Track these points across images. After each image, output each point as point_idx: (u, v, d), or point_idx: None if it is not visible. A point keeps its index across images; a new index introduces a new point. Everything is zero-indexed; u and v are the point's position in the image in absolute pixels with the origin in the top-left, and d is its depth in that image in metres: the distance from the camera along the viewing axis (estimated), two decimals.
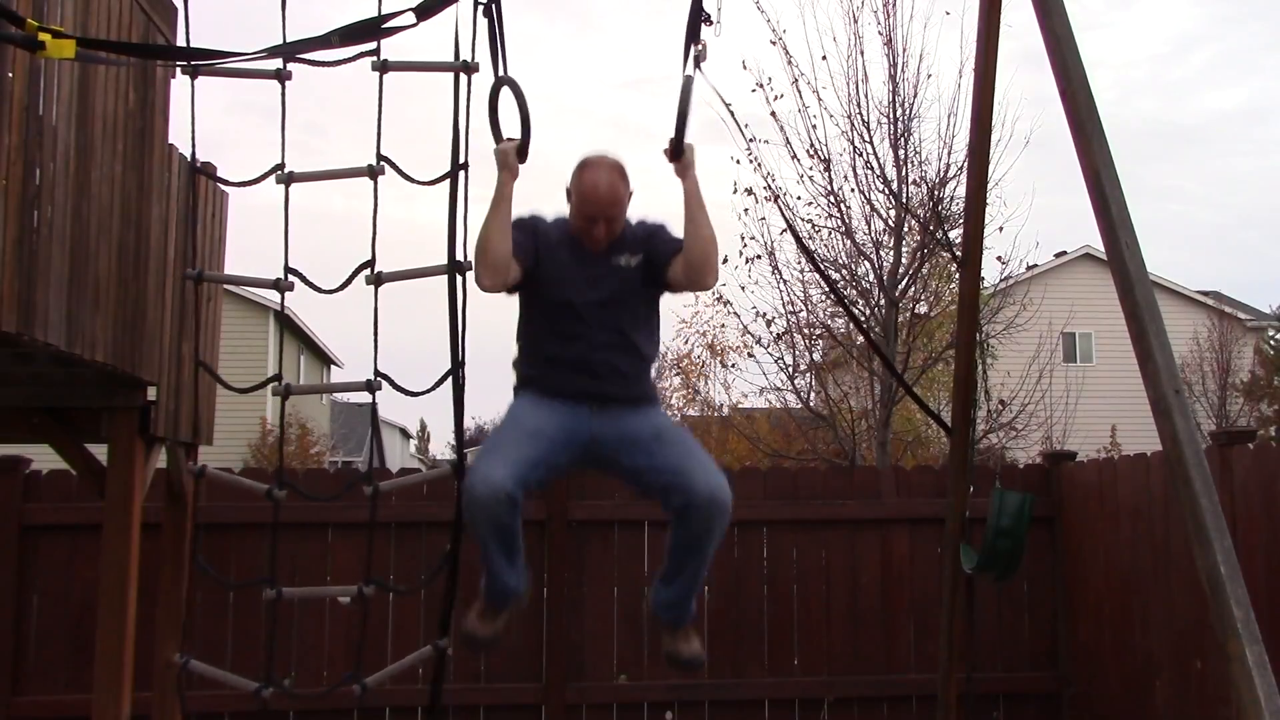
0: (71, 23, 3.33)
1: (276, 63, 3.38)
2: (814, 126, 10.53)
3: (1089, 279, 23.56)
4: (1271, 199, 59.56)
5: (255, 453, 20.36)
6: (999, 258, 11.11)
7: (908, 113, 10.47)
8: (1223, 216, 66.73)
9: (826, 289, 10.74)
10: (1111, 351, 22.13)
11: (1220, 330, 23.82)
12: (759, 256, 10.99)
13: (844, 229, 10.67)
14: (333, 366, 30.98)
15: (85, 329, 3.55)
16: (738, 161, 10.62)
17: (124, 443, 4.21)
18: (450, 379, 3.35)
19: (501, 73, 3.25)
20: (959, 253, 5.24)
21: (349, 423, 33.19)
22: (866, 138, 10.48)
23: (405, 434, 50.67)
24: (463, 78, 3.37)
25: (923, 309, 10.92)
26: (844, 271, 10.81)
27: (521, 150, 3.20)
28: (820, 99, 10.50)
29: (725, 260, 11.12)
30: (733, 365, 13.83)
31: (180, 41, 3.64)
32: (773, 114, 10.61)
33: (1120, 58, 69.04)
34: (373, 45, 3.35)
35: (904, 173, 10.40)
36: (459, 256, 3.33)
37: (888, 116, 10.49)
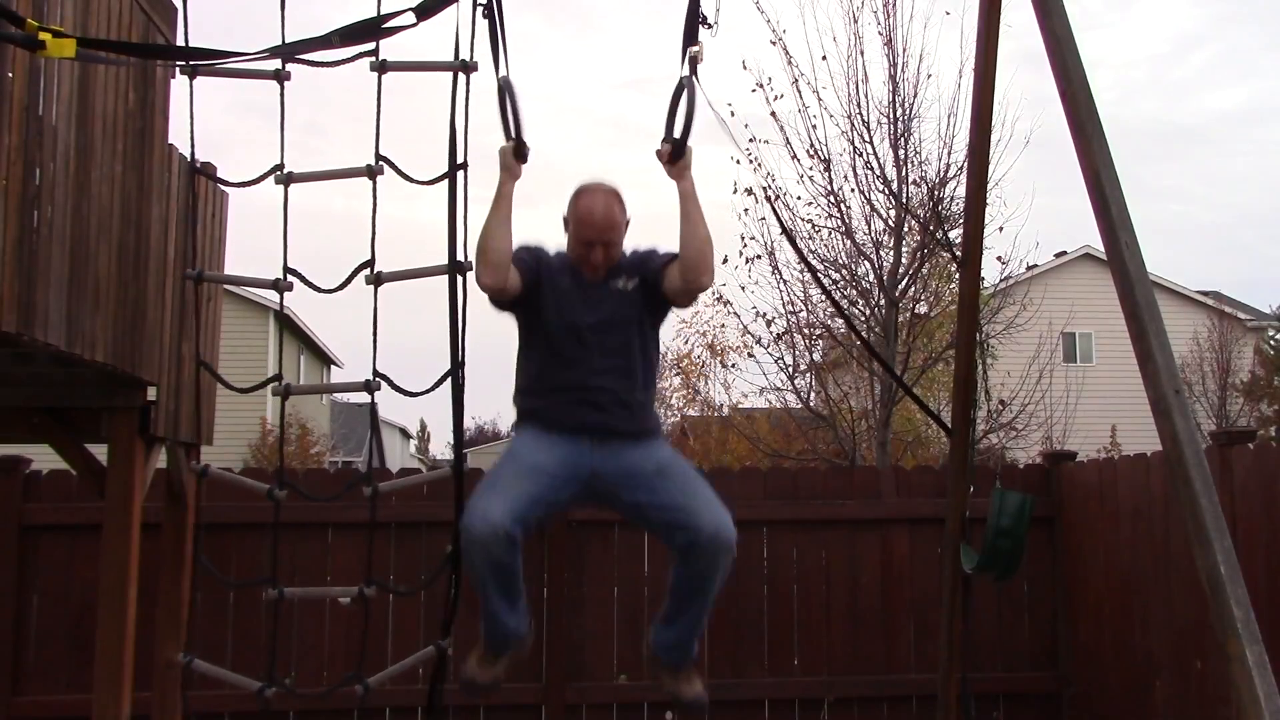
0: (71, 23, 3.33)
1: (275, 63, 3.38)
2: (814, 126, 10.54)
3: (1089, 279, 23.57)
4: (1271, 199, 59.59)
5: (255, 453, 20.36)
6: (999, 258, 11.12)
7: (908, 113, 10.47)
8: (1223, 216, 66.78)
9: (828, 288, 10.74)
10: (1111, 351, 22.14)
11: (1220, 330, 23.83)
12: (759, 256, 11.01)
13: (844, 229, 10.67)
14: (333, 366, 31.00)
15: (85, 329, 3.55)
16: (738, 161, 10.63)
17: (124, 443, 4.21)
18: (449, 379, 3.35)
19: (502, 73, 3.25)
20: (959, 253, 5.24)
21: (349, 423, 33.19)
22: (866, 138, 10.48)
23: (405, 434, 50.66)
24: (461, 77, 3.37)
25: (923, 309, 10.92)
26: (844, 271, 10.81)
27: (517, 151, 3.21)
28: (820, 99, 10.51)
29: (725, 260, 11.14)
30: (733, 365, 13.85)
31: (180, 41, 3.64)
32: (773, 114, 10.63)
33: (1120, 58, 69.08)
34: (372, 45, 3.35)
35: (904, 173, 10.41)
36: (459, 257, 3.33)
37: (888, 116, 10.49)
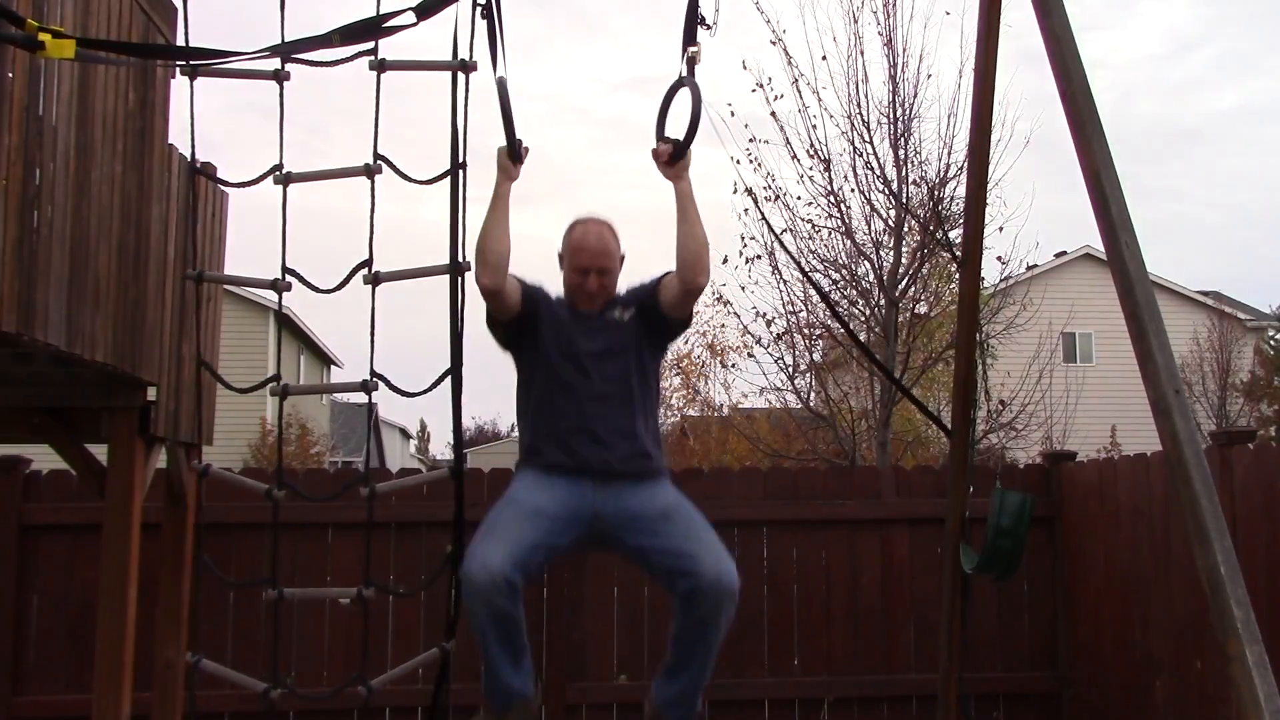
0: (71, 23, 3.33)
1: (275, 63, 3.38)
2: (814, 126, 10.55)
3: (1089, 279, 23.57)
4: (1271, 199, 59.63)
5: (255, 453, 20.36)
6: (999, 258, 11.13)
7: (908, 113, 10.48)
8: (1223, 216, 66.78)
9: (825, 293, 10.75)
10: (1111, 351, 22.14)
11: (1220, 330, 23.84)
12: (759, 256, 11.01)
13: (844, 229, 10.67)
14: (333, 366, 31.00)
15: (85, 329, 3.55)
16: (737, 161, 10.64)
17: (124, 443, 4.20)
18: (448, 380, 3.35)
19: (500, 73, 3.25)
20: (959, 253, 5.24)
21: (349, 423, 33.20)
22: (866, 138, 10.49)
23: (405, 434, 50.67)
24: (461, 77, 3.37)
25: (923, 309, 10.92)
26: (844, 271, 10.82)
27: (511, 152, 3.22)
28: (820, 99, 10.52)
29: (725, 260, 11.15)
30: (733, 365, 13.86)
31: (180, 41, 3.64)
32: (773, 114, 10.63)
33: (1120, 58, 69.07)
34: (371, 45, 3.35)
35: (904, 173, 10.41)
36: (459, 257, 3.33)
37: (888, 116, 10.49)
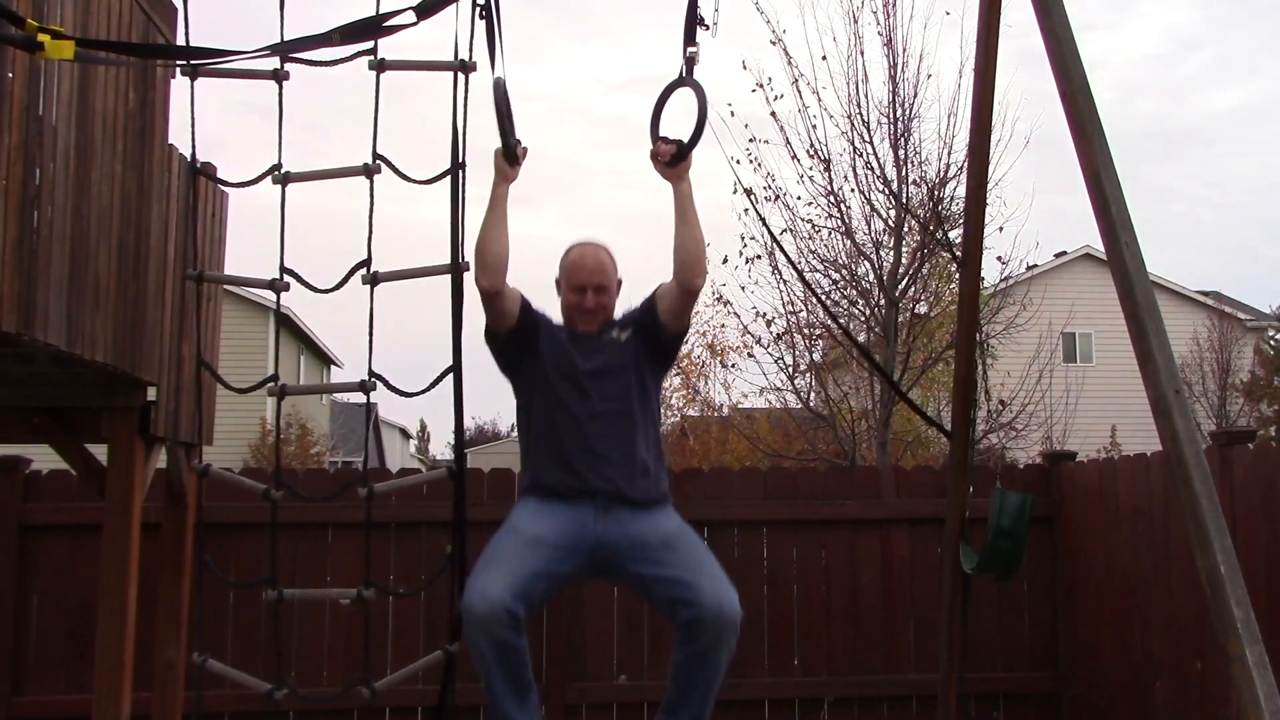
0: (71, 23, 3.32)
1: (274, 63, 3.38)
2: (814, 126, 10.56)
3: (1089, 279, 23.58)
4: (1271, 199, 59.58)
5: (255, 453, 20.36)
6: (999, 258, 11.15)
7: (908, 113, 10.48)
8: (1223, 216, 66.77)
9: (824, 293, 10.75)
10: (1111, 351, 22.15)
11: (1220, 330, 23.85)
12: (759, 256, 11.01)
13: (844, 229, 10.68)
14: (333, 366, 31.00)
15: (85, 329, 3.55)
16: (737, 161, 10.64)
17: (124, 443, 4.20)
18: (447, 379, 3.35)
19: (498, 74, 3.26)
20: (959, 253, 5.24)
21: (349, 423, 33.21)
22: (866, 138, 10.50)
23: (405, 434, 50.68)
24: (460, 77, 3.37)
25: (923, 309, 10.93)
26: (844, 271, 10.82)
27: (506, 154, 3.23)
28: (820, 99, 10.53)
29: (725, 260, 11.16)
30: (733, 365, 13.85)
31: (180, 41, 3.64)
32: (773, 114, 10.64)
33: (1120, 58, 69.06)
34: (370, 45, 3.35)
35: (904, 173, 10.42)
36: (459, 257, 3.33)
37: (888, 116, 10.50)
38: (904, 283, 10.55)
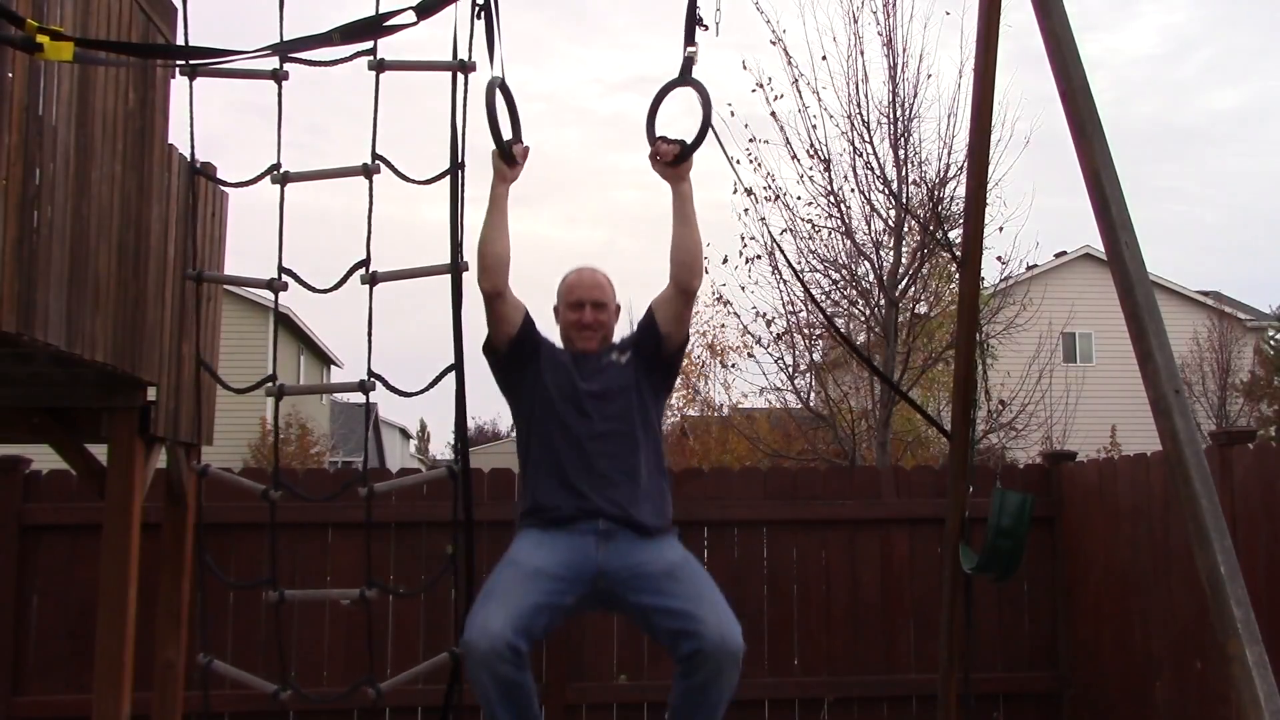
0: (71, 23, 3.32)
1: (274, 63, 3.37)
2: (814, 126, 10.56)
3: (1089, 279, 23.59)
4: (1271, 199, 59.58)
5: (255, 453, 20.37)
6: (999, 258, 11.15)
7: (908, 113, 10.49)
8: (1223, 216, 66.75)
9: (824, 293, 10.75)
10: (1111, 351, 22.16)
11: (1220, 330, 23.86)
12: (759, 256, 11.01)
13: (844, 229, 10.68)
14: (333, 366, 31.01)
15: (85, 329, 3.55)
16: (737, 161, 10.64)
17: (124, 443, 4.20)
18: (446, 379, 3.34)
19: (493, 74, 3.26)
20: (959, 253, 5.24)
21: (349, 423, 33.22)
22: (866, 138, 10.50)
23: (405, 434, 50.69)
24: (459, 77, 3.37)
25: (923, 309, 10.93)
26: (844, 271, 10.82)
27: (501, 154, 3.23)
28: (820, 99, 10.53)
29: (725, 260, 11.16)
30: (733, 365, 13.86)
31: (180, 42, 3.64)
32: (773, 114, 10.64)
33: (1120, 58, 69.05)
34: (370, 44, 3.35)
35: (904, 173, 10.42)
36: (459, 257, 3.33)
37: (888, 116, 10.50)
38: (904, 283, 10.56)
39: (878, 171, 10.48)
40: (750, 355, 11.98)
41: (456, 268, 3.31)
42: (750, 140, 10.61)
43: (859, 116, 10.50)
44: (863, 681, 6.08)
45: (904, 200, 10.36)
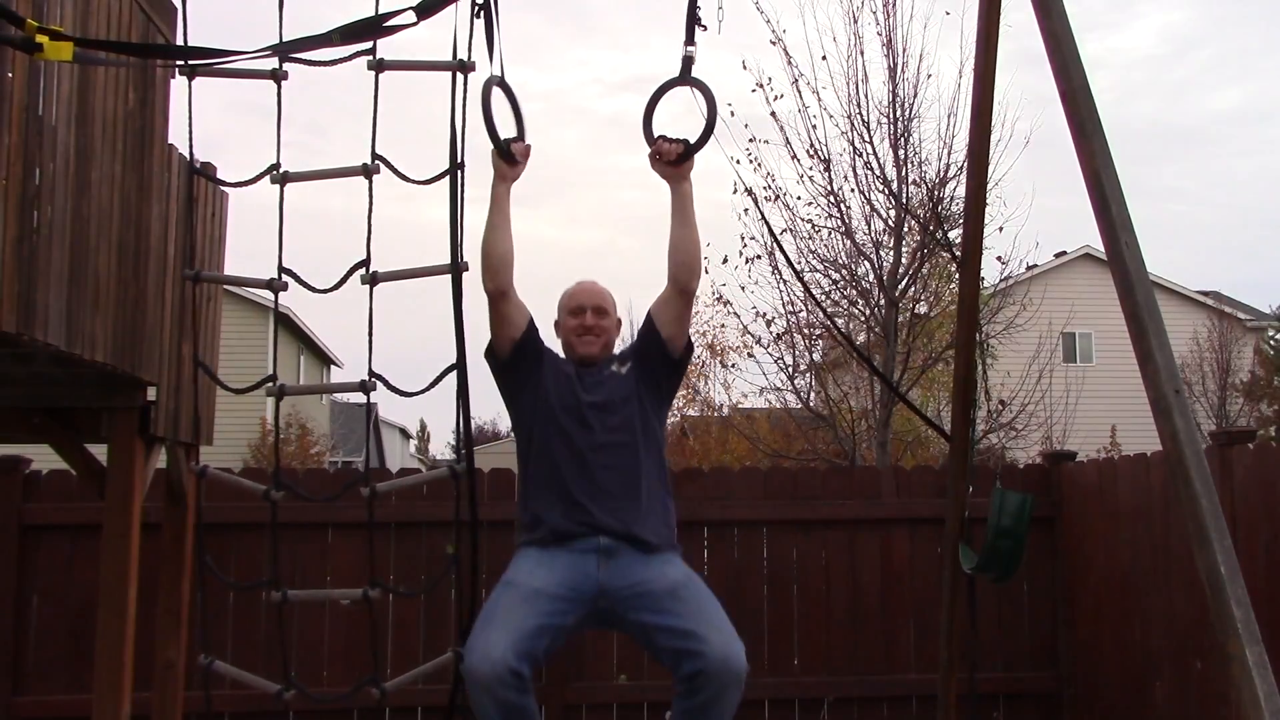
0: (71, 23, 3.33)
1: (273, 63, 3.37)
2: (814, 126, 10.56)
3: (1089, 279, 23.59)
4: (1271, 199, 59.59)
5: (255, 453, 20.37)
6: (999, 258, 11.16)
7: (908, 113, 10.49)
8: (1223, 216, 66.74)
9: (824, 293, 10.75)
10: (1111, 351, 22.16)
11: (1220, 330, 23.86)
12: (759, 256, 11.02)
13: (844, 229, 10.68)
14: (333, 366, 31.02)
15: (85, 329, 3.55)
16: (737, 161, 10.64)
17: (124, 443, 4.20)
18: (447, 378, 3.33)
19: (491, 73, 3.26)
20: (959, 253, 5.24)
21: (349, 423, 33.23)
22: (866, 138, 10.51)
23: (405, 434, 50.70)
24: (459, 77, 3.36)
25: (923, 309, 10.93)
26: (844, 271, 10.82)
27: (501, 153, 3.22)
28: (820, 99, 10.53)
29: (725, 260, 11.16)
30: (733, 365, 13.86)
31: (180, 42, 3.64)
32: (773, 114, 10.64)
33: (1120, 58, 69.06)
34: (370, 44, 3.35)
35: (904, 173, 10.43)
36: (459, 257, 3.33)
37: (888, 116, 10.51)
38: (904, 283, 10.56)
39: (878, 171, 10.49)
40: (750, 355, 12.00)
41: (457, 268, 3.30)
42: (750, 140, 10.62)
43: (859, 116, 10.51)
44: (863, 681, 6.08)
45: (904, 200, 10.36)
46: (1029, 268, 13.55)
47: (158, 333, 4.28)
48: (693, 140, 3.27)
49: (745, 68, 10.70)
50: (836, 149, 10.61)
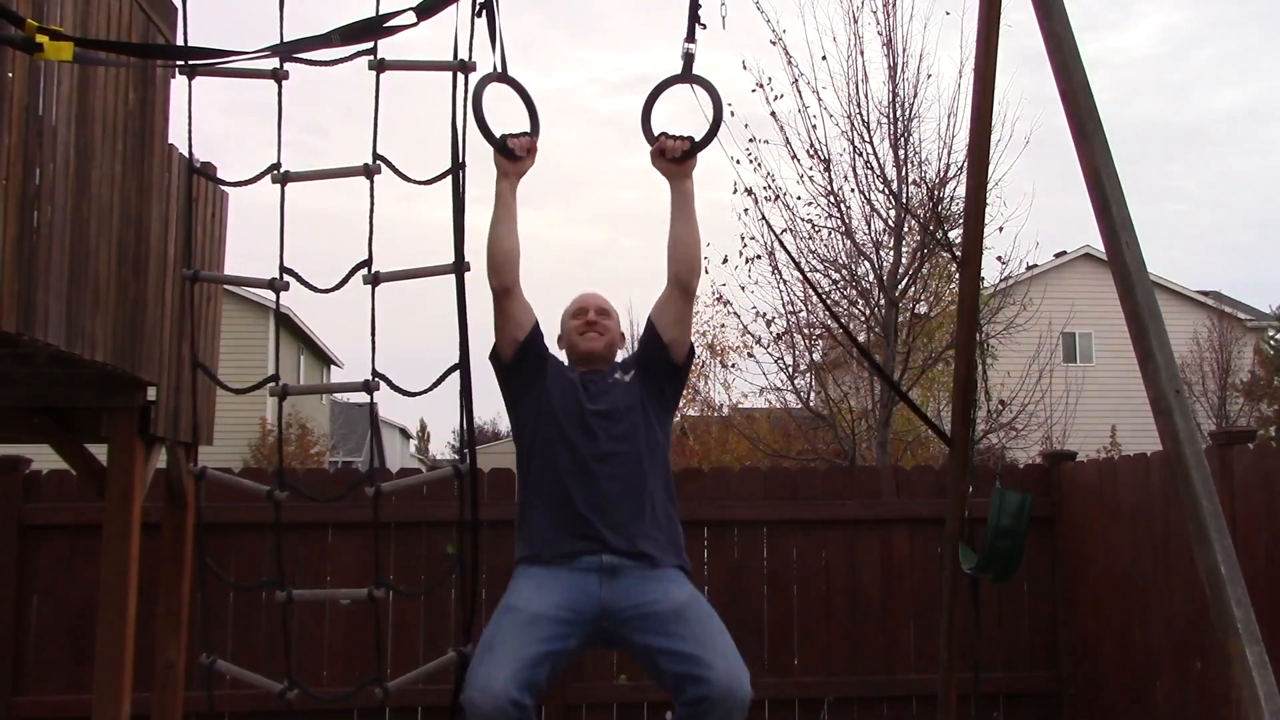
0: (71, 23, 3.32)
1: (273, 62, 3.37)
2: (814, 126, 10.55)
3: (1089, 279, 23.60)
4: (1271, 199, 59.57)
5: (255, 453, 20.38)
6: (999, 258, 11.16)
7: (908, 113, 10.48)
8: (1223, 216, 66.71)
9: (824, 294, 10.75)
10: (1111, 351, 22.17)
11: (1220, 330, 23.86)
12: (759, 256, 11.01)
13: (844, 229, 10.68)
14: (332, 366, 31.02)
15: (85, 329, 3.55)
16: (737, 161, 10.64)
17: (124, 443, 4.20)
18: (451, 378, 3.33)
19: (491, 70, 3.26)
20: (959, 253, 5.24)
21: (349, 423, 33.23)
22: (866, 138, 10.50)
23: (405, 434, 50.69)
24: (460, 77, 3.37)
25: (923, 309, 10.93)
26: (844, 271, 10.82)
27: (498, 150, 3.23)
28: (820, 99, 10.53)
29: (725, 260, 11.16)
30: (733, 365, 13.85)
31: (180, 42, 3.64)
32: (773, 114, 10.64)
33: (1120, 58, 69.05)
34: (371, 45, 3.35)
35: (904, 173, 10.42)
36: (462, 256, 3.33)
37: (888, 116, 10.50)
38: (904, 283, 10.55)
39: (878, 171, 10.48)
40: (750, 355, 11.99)
41: (460, 268, 3.30)
42: (750, 140, 10.61)
43: (859, 116, 10.50)
44: (863, 681, 6.09)
45: (904, 200, 10.36)
46: (1029, 268, 13.55)
47: (158, 333, 4.28)
48: (698, 138, 3.27)
49: (745, 68, 10.70)
50: (836, 149, 10.62)
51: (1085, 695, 6.02)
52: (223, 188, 5.10)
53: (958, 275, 5.97)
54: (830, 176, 10.57)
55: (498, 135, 3.26)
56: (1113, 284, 2.95)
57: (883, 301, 10.47)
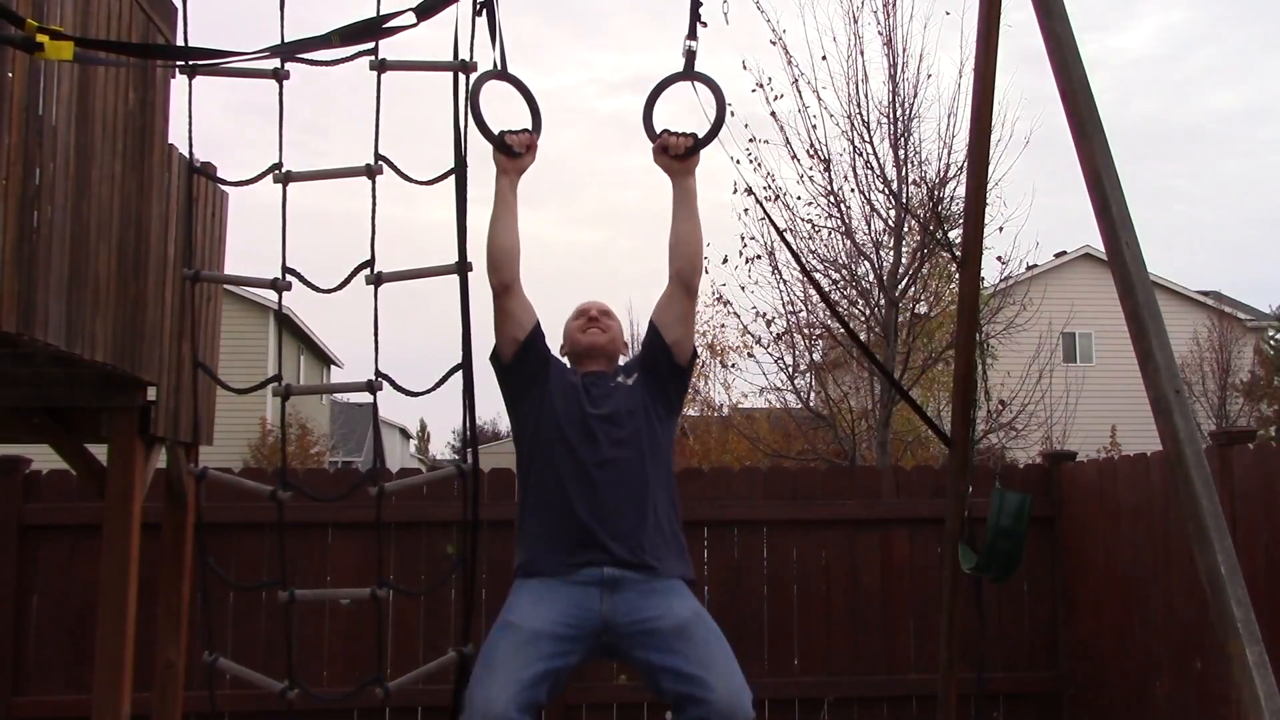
0: (71, 23, 3.33)
1: (274, 62, 3.37)
2: (814, 126, 10.55)
3: (1089, 279, 23.61)
4: (1271, 199, 59.60)
5: (255, 453, 20.37)
6: (999, 258, 11.16)
7: (908, 113, 10.49)
8: (1223, 216, 66.75)
9: (828, 295, 10.75)
10: (1111, 351, 22.18)
11: (1220, 330, 23.87)
12: (759, 256, 11.02)
13: (844, 229, 10.68)
14: (333, 366, 31.03)
15: (85, 329, 3.55)
16: (737, 161, 10.64)
17: (124, 443, 4.20)
18: (453, 378, 3.33)
19: (491, 68, 3.26)
20: (959, 253, 5.24)
21: (349, 423, 33.24)
22: (866, 138, 10.50)
23: (405, 434, 50.70)
24: (461, 77, 3.37)
25: (923, 309, 10.93)
26: (844, 271, 10.82)
27: (497, 147, 3.23)
28: (820, 99, 10.53)
29: (725, 260, 11.16)
30: (733, 365, 13.85)
31: (180, 42, 3.64)
32: (773, 114, 10.64)
33: (1120, 58, 69.06)
34: (371, 45, 3.35)
35: (904, 173, 10.42)
36: (464, 256, 3.33)
37: (888, 116, 10.50)
38: (904, 283, 10.55)
39: (878, 171, 10.48)
40: (750, 355, 11.99)
41: (463, 267, 3.30)
42: (750, 140, 10.62)
43: (859, 116, 10.50)
44: (863, 681, 6.09)
45: (904, 200, 10.36)
46: (1029, 268, 13.55)
47: (158, 333, 4.28)
48: (700, 135, 3.27)
49: (745, 68, 10.70)
50: (836, 149, 10.62)
51: (1085, 695, 6.02)
52: (223, 188, 5.10)
53: (958, 275, 5.98)
54: (830, 176, 10.57)
55: (496, 132, 3.26)
56: (1113, 284, 2.95)
57: (883, 301, 10.47)
